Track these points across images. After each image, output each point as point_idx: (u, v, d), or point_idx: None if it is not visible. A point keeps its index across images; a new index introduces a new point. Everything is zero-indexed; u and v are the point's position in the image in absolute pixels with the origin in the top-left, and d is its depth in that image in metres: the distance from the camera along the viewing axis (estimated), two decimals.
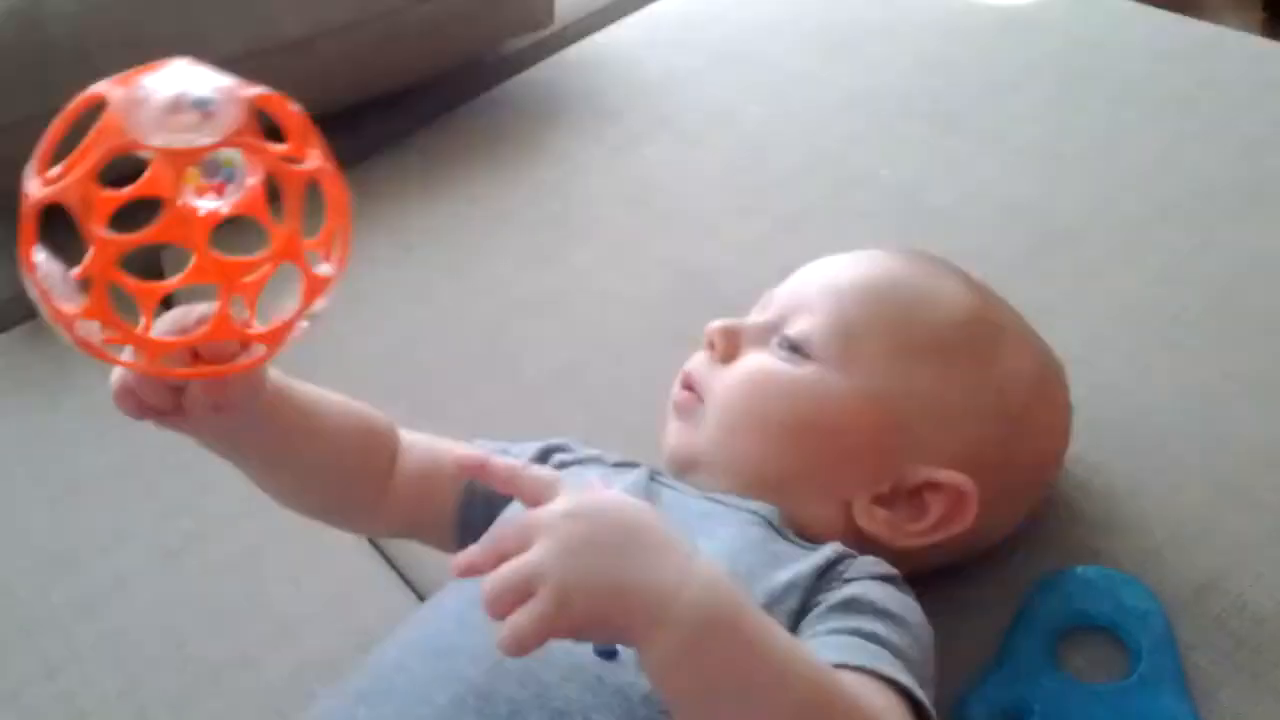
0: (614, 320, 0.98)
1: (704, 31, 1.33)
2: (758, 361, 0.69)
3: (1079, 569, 0.70)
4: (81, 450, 1.00)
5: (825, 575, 0.61)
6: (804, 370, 0.68)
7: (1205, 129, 1.01)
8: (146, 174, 0.50)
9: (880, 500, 0.66)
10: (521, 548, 0.49)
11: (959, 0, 1.26)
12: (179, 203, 0.49)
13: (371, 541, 0.89)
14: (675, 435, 0.72)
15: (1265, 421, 0.77)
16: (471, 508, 0.71)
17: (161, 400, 0.58)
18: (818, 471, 0.67)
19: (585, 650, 0.55)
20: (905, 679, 0.55)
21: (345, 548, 0.88)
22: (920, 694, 0.55)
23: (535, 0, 1.29)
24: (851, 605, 0.59)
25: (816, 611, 0.59)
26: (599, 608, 0.48)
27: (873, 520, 0.66)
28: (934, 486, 0.66)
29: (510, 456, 0.69)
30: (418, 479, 0.72)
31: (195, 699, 0.79)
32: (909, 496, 0.66)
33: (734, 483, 0.67)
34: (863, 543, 0.65)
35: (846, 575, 0.61)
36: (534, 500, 0.51)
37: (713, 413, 0.69)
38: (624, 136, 1.19)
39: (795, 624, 0.59)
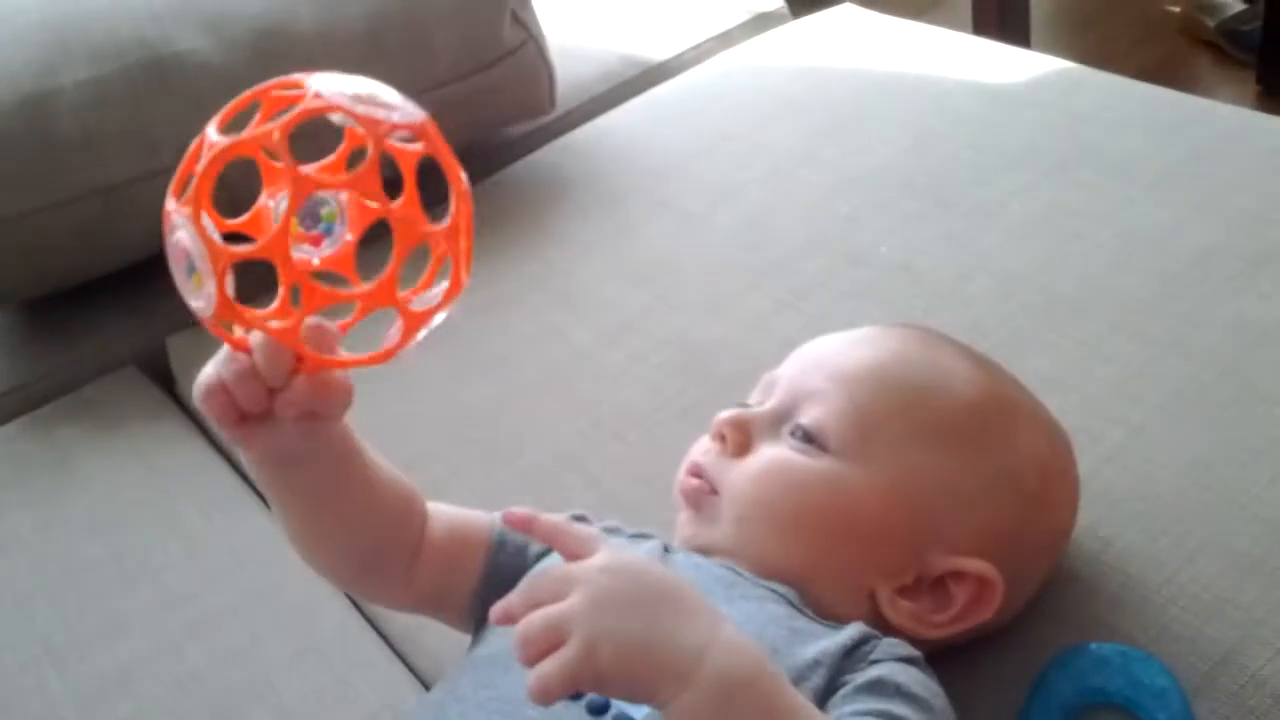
0: (617, 399, 0.98)
1: (703, 115, 1.34)
2: (774, 455, 0.68)
3: (1093, 645, 0.69)
4: (82, 540, 0.99)
5: (851, 655, 0.60)
6: (821, 463, 0.67)
7: (1203, 201, 1.02)
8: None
9: (904, 592, 0.66)
10: (556, 598, 0.50)
11: (953, 80, 1.28)
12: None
13: (374, 627, 0.89)
14: (690, 526, 0.70)
15: (1276, 491, 0.76)
16: (496, 578, 0.70)
17: (256, 401, 0.56)
18: (840, 563, 0.66)
19: (577, 711, 0.56)
20: None
21: (347, 635, 0.88)
22: None
23: (538, 87, 1.31)
24: (877, 687, 0.59)
25: (842, 692, 0.59)
26: (625, 661, 0.49)
27: (898, 613, 0.65)
28: (957, 575, 0.65)
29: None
30: (447, 545, 0.71)
31: None
32: (932, 586, 0.66)
33: (754, 570, 0.66)
34: (886, 628, 0.65)
35: (872, 656, 0.61)
36: (573, 555, 0.53)
37: (730, 507, 0.68)
38: (626, 218, 1.20)
39: (821, 702, 0.58)
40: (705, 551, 0.69)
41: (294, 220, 0.52)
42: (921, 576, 0.66)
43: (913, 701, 0.58)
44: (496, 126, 1.37)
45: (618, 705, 0.57)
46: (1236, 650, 0.68)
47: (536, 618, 0.50)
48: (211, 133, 0.53)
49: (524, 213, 1.26)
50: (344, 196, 0.55)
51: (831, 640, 0.61)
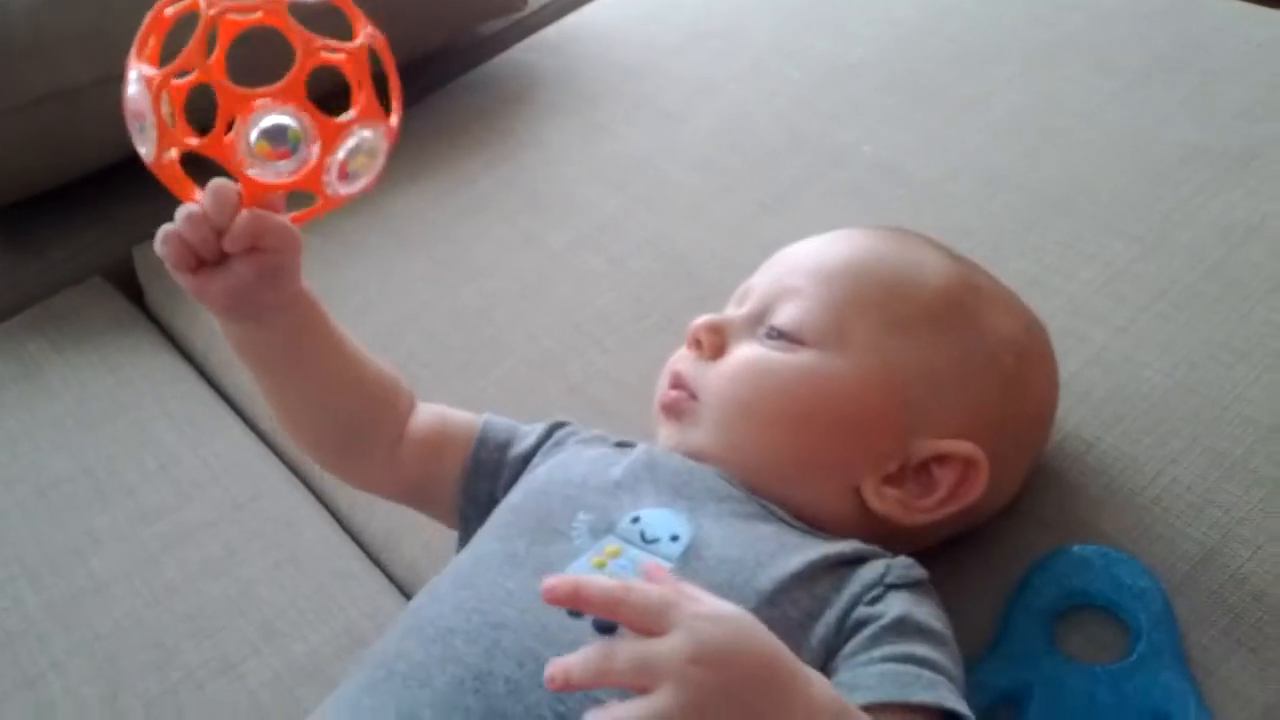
0: (596, 305, 0.97)
1: (680, 10, 1.31)
2: (750, 353, 0.68)
3: (1075, 548, 0.69)
4: (55, 454, 0.98)
5: (856, 574, 0.61)
6: (799, 357, 0.67)
7: (1190, 95, 1.00)
8: None
9: (889, 480, 0.65)
10: (639, 684, 0.47)
11: None
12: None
13: (353, 537, 0.88)
14: (673, 437, 0.70)
15: (1259, 391, 0.76)
16: (477, 478, 0.72)
17: (207, 245, 0.60)
18: (825, 457, 0.66)
19: (582, 628, 0.55)
20: (961, 706, 0.56)
21: (325, 546, 0.87)
22: (970, 716, 0.56)
23: None
24: (902, 628, 0.59)
25: (868, 632, 0.59)
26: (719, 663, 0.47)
27: (884, 501, 0.65)
28: (941, 459, 0.65)
29: (520, 435, 0.73)
30: (431, 436, 0.73)
31: (177, 705, 0.78)
32: (917, 472, 0.66)
33: (739, 476, 0.66)
34: (874, 527, 0.65)
35: (888, 579, 0.61)
36: (644, 630, 0.48)
37: (710, 410, 0.68)
38: (602, 117, 1.17)
39: (840, 632, 0.59)
40: (693, 457, 0.68)
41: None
42: (905, 463, 0.65)
43: (933, 638, 0.59)
44: (468, 24, 1.34)
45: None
46: (1217, 550, 0.68)
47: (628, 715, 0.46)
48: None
49: (496, 114, 1.23)
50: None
51: (820, 550, 0.61)
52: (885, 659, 0.57)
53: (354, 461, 0.74)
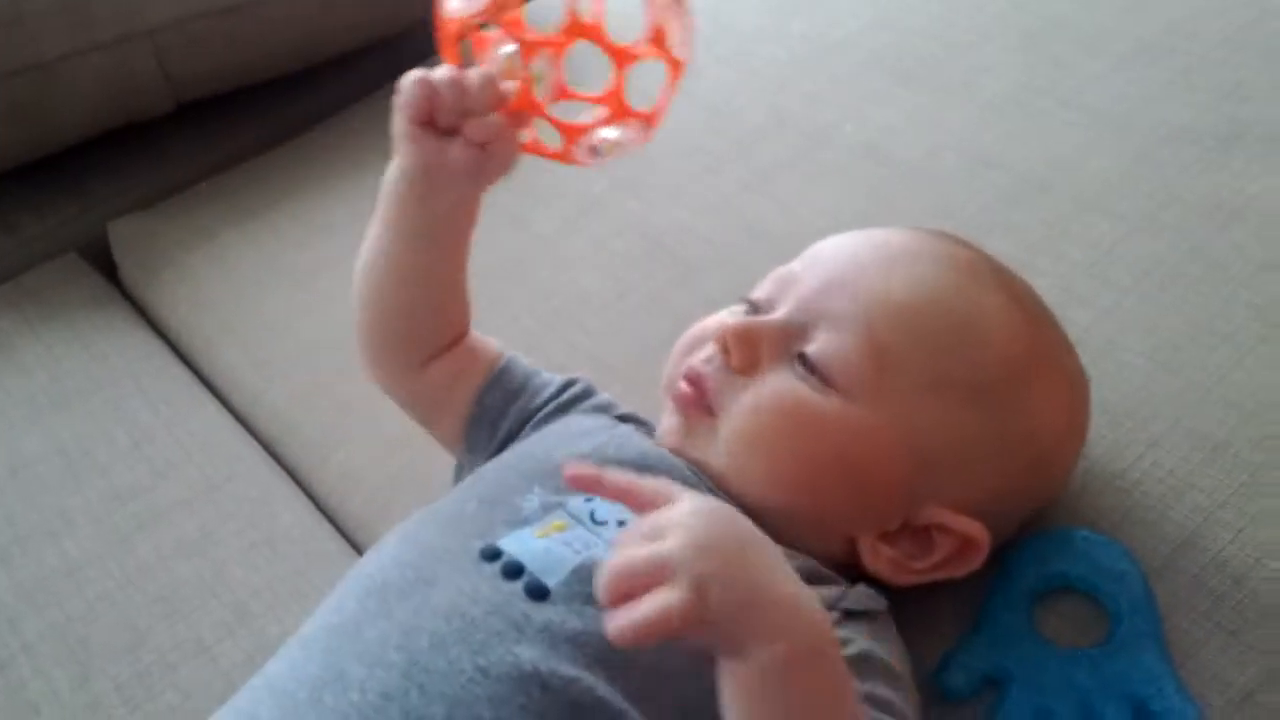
0: (578, 286, 0.96)
1: None
2: (782, 389, 0.63)
3: (1055, 531, 0.68)
4: (27, 433, 0.97)
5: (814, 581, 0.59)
6: (829, 403, 0.62)
7: (1175, 77, 0.99)
8: None
9: (886, 537, 0.64)
10: (658, 579, 0.48)
11: None
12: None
13: (329, 518, 0.87)
14: (679, 436, 0.67)
15: (1242, 374, 0.76)
16: (478, 426, 0.73)
17: (450, 109, 0.62)
18: (831, 508, 0.63)
19: (514, 589, 0.57)
20: None
21: (301, 527, 0.87)
22: None
23: None
24: (863, 666, 0.57)
25: None
26: (733, 604, 0.48)
27: (877, 559, 0.63)
28: (944, 528, 0.63)
29: (532, 388, 0.74)
30: (461, 355, 0.74)
31: (150, 688, 0.77)
32: (915, 532, 0.64)
33: (737, 496, 0.63)
34: (855, 568, 0.64)
35: (844, 605, 0.60)
36: (652, 505, 0.51)
37: (729, 433, 0.64)
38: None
39: None
40: (692, 464, 0.66)
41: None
42: (907, 524, 0.64)
43: (891, 678, 0.58)
44: None
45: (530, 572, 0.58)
46: (1198, 533, 0.68)
47: (640, 554, 0.48)
48: None
49: None
50: None
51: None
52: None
53: (398, 353, 0.74)
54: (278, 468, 0.93)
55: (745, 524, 0.52)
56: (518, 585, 0.57)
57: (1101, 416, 0.74)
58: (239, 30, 1.13)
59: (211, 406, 0.98)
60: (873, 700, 0.56)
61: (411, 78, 0.63)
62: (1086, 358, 0.77)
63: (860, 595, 0.61)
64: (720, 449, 0.64)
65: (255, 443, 0.95)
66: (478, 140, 0.62)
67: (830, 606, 0.59)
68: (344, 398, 0.93)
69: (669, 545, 0.48)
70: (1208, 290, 0.81)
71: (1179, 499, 0.70)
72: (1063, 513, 0.70)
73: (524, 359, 0.76)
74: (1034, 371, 0.65)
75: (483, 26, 0.64)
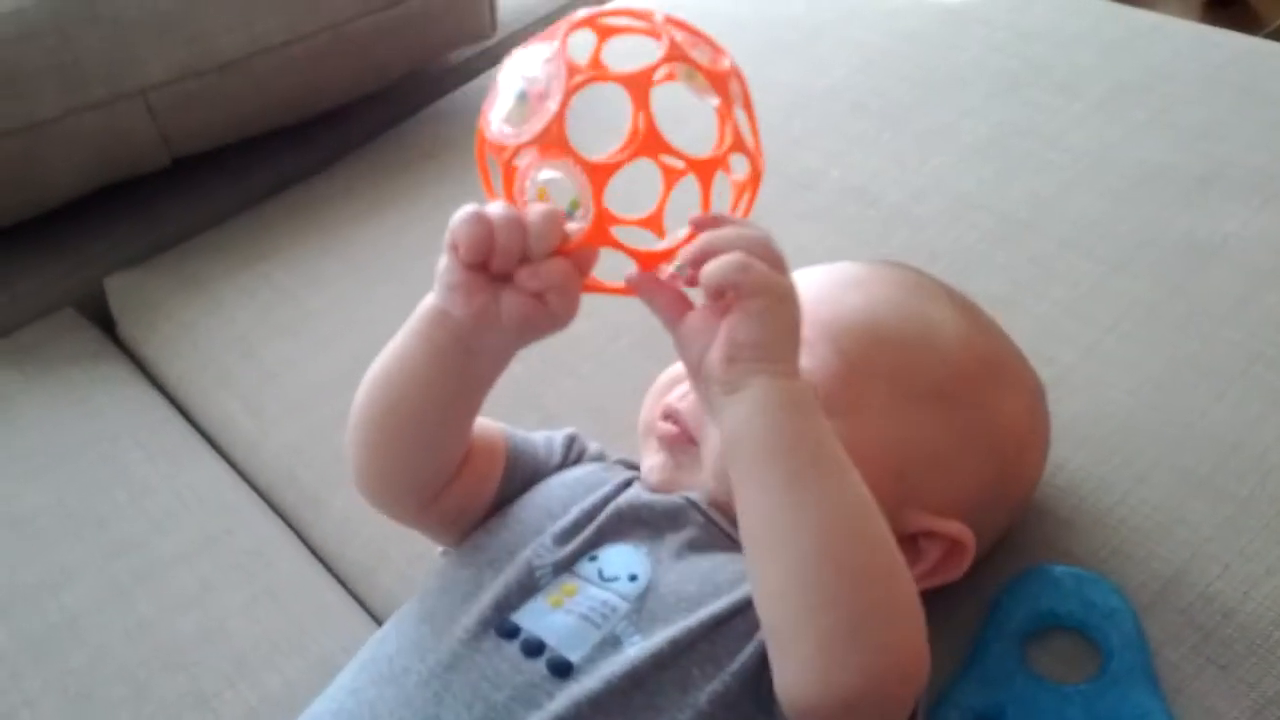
0: (569, 330, 0.96)
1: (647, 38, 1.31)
2: None
3: (1046, 569, 0.69)
4: (26, 487, 0.97)
5: None
6: None
7: (1152, 118, 1.01)
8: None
9: None
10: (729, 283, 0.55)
11: None
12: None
13: (328, 569, 0.88)
14: (664, 472, 0.68)
15: (1224, 408, 0.77)
16: (510, 496, 0.69)
17: (509, 253, 0.56)
18: None
19: (536, 669, 0.57)
20: None
21: (300, 578, 0.87)
22: None
23: (478, 11, 1.28)
24: None
25: None
26: (774, 298, 0.55)
27: None
28: (930, 534, 0.65)
29: (542, 459, 0.71)
30: (469, 473, 0.68)
31: None
32: (902, 543, 0.63)
33: (730, 516, 0.64)
34: None
35: None
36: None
37: (710, 460, 0.66)
38: (572, 141, 1.17)
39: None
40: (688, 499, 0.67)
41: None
42: (894, 533, 0.64)
43: None
44: (437, 52, 1.34)
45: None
46: (1186, 569, 0.69)
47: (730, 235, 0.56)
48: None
49: (466, 141, 1.21)
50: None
51: None
52: None
53: (413, 497, 0.67)
54: (276, 518, 0.94)
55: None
56: (540, 664, 0.57)
57: (1087, 453, 0.76)
58: (232, 87, 1.15)
59: (209, 458, 0.99)
60: None
61: (464, 214, 0.56)
62: (1070, 395, 0.78)
63: None
64: (707, 474, 0.66)
65: (253, 493, 0.96)
66: (534, 290, 0.56)
67: None
68: (340, 445, 0.93)
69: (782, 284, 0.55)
70: (1188, 327, 0.83)
71: (1166, 534, 0.71)
72: (1052, 550, 0.71)
73: (519, 432, 0.72)
74: (990, 376, 0.68)
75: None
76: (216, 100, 1.15)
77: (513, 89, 0.57)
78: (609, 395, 0.88)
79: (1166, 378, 0.80)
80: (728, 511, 0.64)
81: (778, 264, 0.56)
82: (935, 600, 0.68)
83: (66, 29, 1.09)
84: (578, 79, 0.55)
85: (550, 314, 0.57)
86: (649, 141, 0.57)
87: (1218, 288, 0.85)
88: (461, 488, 0.68)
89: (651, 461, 0.69)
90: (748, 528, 0.55)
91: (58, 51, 1.09)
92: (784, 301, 0.55)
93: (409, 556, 0.83)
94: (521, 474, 0.70)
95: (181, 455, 0.99)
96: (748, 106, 0.61)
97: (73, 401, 1.06)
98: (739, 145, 0.59)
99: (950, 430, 0.65)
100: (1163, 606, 0.68)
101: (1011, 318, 0.74)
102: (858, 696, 0.52)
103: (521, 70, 0.57)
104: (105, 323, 1.18)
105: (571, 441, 0.74)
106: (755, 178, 0.61)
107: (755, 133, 0.61)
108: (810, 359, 0.64)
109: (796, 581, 0.53)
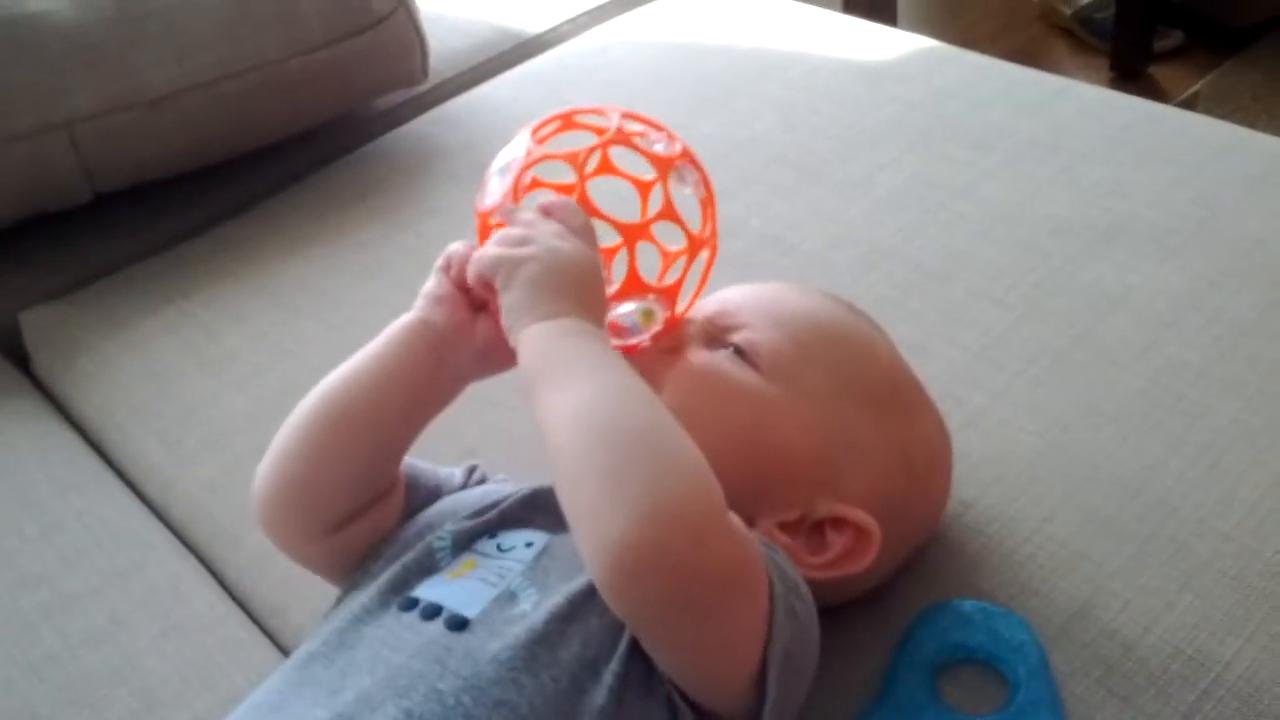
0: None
1: (577, 88, 1.34)
2: (710, 360, 0.69)
3: (956, 603, 0.71)
4: None
5: None
6: (753, 378, 0.67)
7: (1059, 174, 1.05)
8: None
9: (784, 527, 0.66)
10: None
11: (823, 57, 1.29)
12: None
13: (240, 605, 0.87)
14: None
15: (1127, 451, 0.80)
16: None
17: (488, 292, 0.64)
18: (737, 481, 0.63)
19: (434, 628, 0.58)
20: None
21: (211, 614, 0.86)
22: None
23: (409, 57, 1.29)
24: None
25: None
26: (514, 262, 0.62)
27: (775, 543, 0.65)
28: (838, 524, 0.66)
29: (444, 474, 0.75)
30: (380, 507, 0.70)
31: None
32: (811, 529, 0.67)
33: None
34: None
35: None
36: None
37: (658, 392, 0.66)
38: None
39: None
40: None
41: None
42: (805, 517, 0.66)
43: (789, 585, 0.59)
44: (367, 96, 1.35)
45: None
46: (1090, 603, 0.71)
47: (489, 253, 0.63)
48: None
49: (396, 184, 1.24)
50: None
51: None
52: None
53: (325, 512, 0.68)
54: (189, 554, 0.92)
55: (591, 270, 0.63)
56: (437, 623, 0.58)
57: (996, 493, 0.77)
58: (159, 124, 1.14)
59: (122, 494, 0.97)
60: None
61: (460, 243, 0.68)
62: (980, 437, 0.80)
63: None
64: None
65: (166, 530, 0.94)
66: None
67: None
68: (255, 482, 0.92)
69: (521, 252, 0.62)
70: (1093, 374, 0.86)
71: (1071, 571, 0.73)
72: (962, 585, 0.72)
73: (415, 461, 0.73)
74: (910, 394, 0.73)
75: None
76: (143, 135, 1.14)
77: (495, 168, 0.71)
78: (530, 425, 0.89)
79: (1073, 421, 0.82)
80: None
81: (573, 227, 0.65)
82: (847, 631, 0.70)
83: None
84: (534, 155, 0.69)
85: (510, 348, 0.62)
86: (583, 204, 0.68)
87: (1121, 336, 0.89)
88: (371, 515, 0.69)
89: None
90: (543, 433, 0.57)
91: None
92: (537, 260, 0.62)
93: (322, 594, 0.81)
94: (422, 497, 0.72)
95: (93, 490, 0.97)
96: (706, 186, 0.73)
97: None
98: (668, 214, 0.69)
99: (874, 430, 0.68)
100: (1068, 640, 0.69)
101: (924, 362, 0.76)
102: (638, 546, 0.50)
103: (501, 158, 0.71)
104: (19, 358, 1.16)
105: (472, 470, 0.76)
106: (692, 246, 0.72)
107: (708, 213, 0.73)
108: (764, 333, 0.69)
109: (569, 453, 0.55)
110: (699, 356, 0.69)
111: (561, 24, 1.52)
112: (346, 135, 1.32)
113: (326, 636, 0.61)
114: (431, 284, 0.69)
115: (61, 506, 0.95)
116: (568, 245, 0.63)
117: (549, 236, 0.63)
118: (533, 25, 1.51)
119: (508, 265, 0.62)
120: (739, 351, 0.69)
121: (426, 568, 0.64)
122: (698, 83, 1.30)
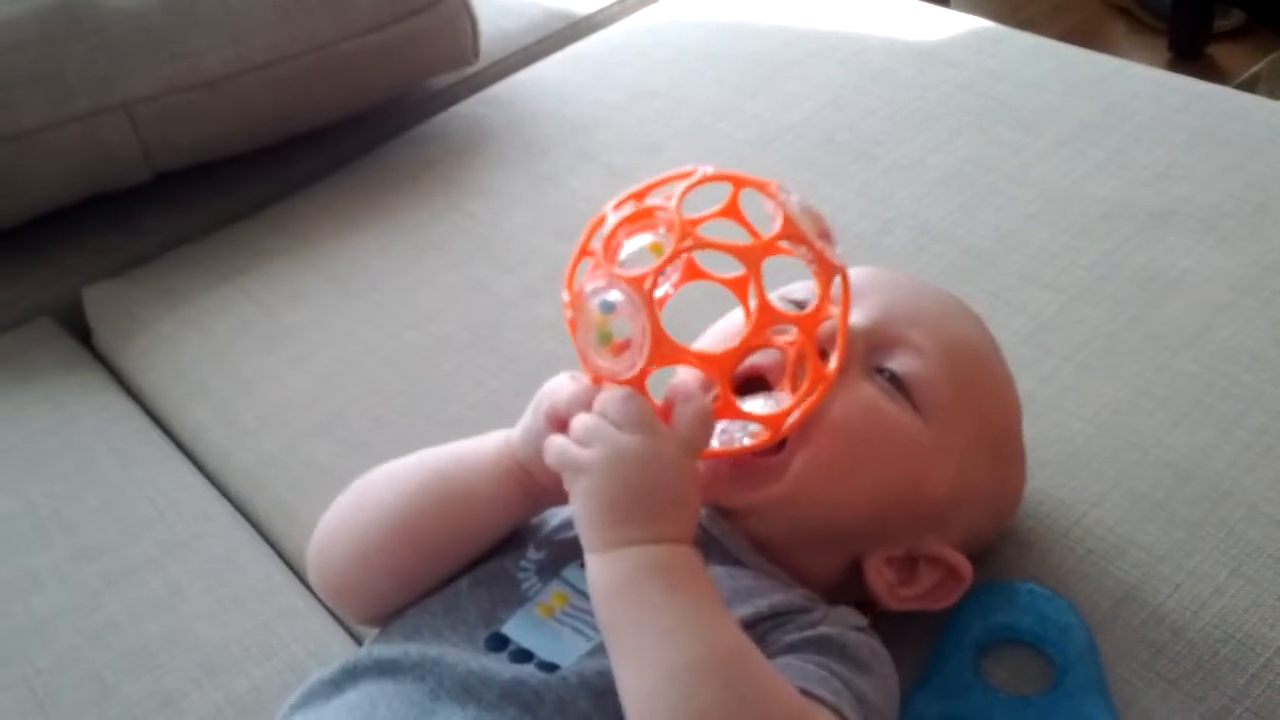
0: (542, 351, 0.98)
1: (627, 69, 1.34)
2: (872, 401, 0.64)
3: (1003, 584, 0.71)
4: None
5: (796, 620, 0.61)
6: (912, 424, 0.64)
7: (1112, 157, 1.05)
8: None
9: (890, 561, 0.66)
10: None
11: (874, 38, 1.29)
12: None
13: (297, 576, 0.88)
14: (727, 491, 0.65)
15: (1178, 436, 0.79)
16: None
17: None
18: (868, 526, 0.65)
19: (525, 669, 0.58)
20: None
21: (269, 584, 0.87)
22: None
23: (461, 38, 1.30)
24: (823, 645, 0.59)
25: (788, 640, 0.59)
26: (591, 473, 0.56)
27: (880, 578, 0.66)
28: (932, 560, 0.66)
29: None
30: None
31: None
32: (904, 562, 0.67)
33: (783, 536, 0.65)
34: (843, 588, 0.66)
35: (821, 625, 0.61)
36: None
37: (805, 459, 0.63)
38: (550, 170, 1.20)
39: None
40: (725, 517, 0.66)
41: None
42: (910, 553, 0.67)
43: (854, 663, 0.59)
44: (419, 78, 1.36)
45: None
46: (1138, 588, 0.71)
47: (556, 445, 0.58)
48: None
49: (447, 164, 1.25)
50: None
51: (768, 601, 0.61)
52: (798, 657, 0.58)
53: (391, 602, 0.68)
54: (247, 526, 0.94)
55: (654, 471, 0.56)
56: (529, 665, 0.59)
57: (1046, 476, 0.77)
58: (216, 105, 1.16)
59: (182, 466, 0.99)
60: (826, 668, 0.57)
61: (557, 379, 0.63)
62: (1030, 421, 0.80)
63: (841, 614, 0.63)
64: (790, 474, 0.63)
65: (225, 501, 0.96)
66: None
67: (810, 625, 0.61)
68: (311, 457, 0.94)
69: (581, 457, 0.56)
70: (1143, 358, 0.85)
71: (1120, 555, 0.73)
72: (1010, 568, 0.73)
73: None
74: (1018, 443, 0.72)
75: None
76: (200, 117, 1.16)
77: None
78: None
79: (1123, 405, 0.82)
80: (761, 533, 0.65)
81: (629, 423, 0.57)
82: (895, 613, 0.70)
83: (52, 41, 1.10)
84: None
85: None
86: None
87: (1173, 320, 0.88)
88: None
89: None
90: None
91: (42, 63, 1.10)
92: (593, 471, 0.56)
93: None
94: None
95: (154, 463, 0.99)
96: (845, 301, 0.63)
97: (46, 409, 1.06)
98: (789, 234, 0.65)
99: (989, 478, 0.68)
100: (1115, 624, 0.69)
101: None
102: None
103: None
104: (82, 333, 1.19)
105: None
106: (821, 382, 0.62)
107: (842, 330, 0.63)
108: (924, 362, 0.65)
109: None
110: (862, 397, 0.64)
111: (612, 4, 1.52)
112: (398, 116, 1.33)
113: (415, 655, 0.60)
114: (529, 419, 0.64)
115: (123, 478, 0.97)
116: (632, 444, 0.56)
117: (611, 435, 0.56)
118: (583, 6, 1.52)
119: (570, 468, 0.57)
120: (895, 380, 0.65)
121: (513, 600, 0.63)
122: (747, 63, 1.30)
